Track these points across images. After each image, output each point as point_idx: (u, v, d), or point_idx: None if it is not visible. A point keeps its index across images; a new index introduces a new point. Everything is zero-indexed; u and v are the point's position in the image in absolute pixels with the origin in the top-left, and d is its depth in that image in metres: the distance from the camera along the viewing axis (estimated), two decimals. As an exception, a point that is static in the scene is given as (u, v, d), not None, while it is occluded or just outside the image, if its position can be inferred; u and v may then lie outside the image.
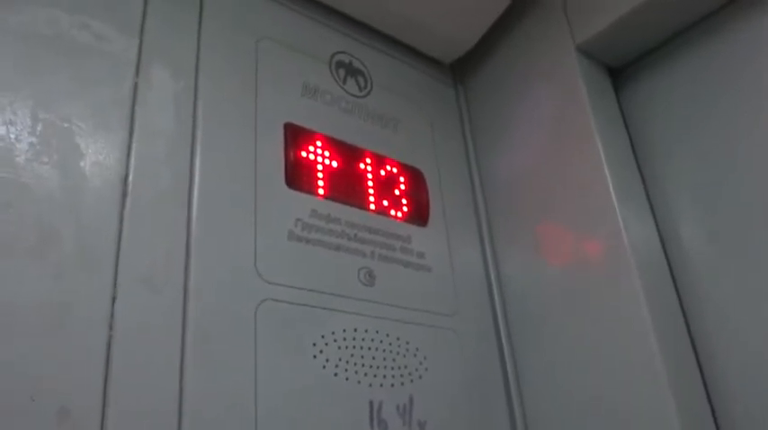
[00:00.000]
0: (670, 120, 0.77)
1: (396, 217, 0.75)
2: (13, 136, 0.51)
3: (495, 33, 0.88)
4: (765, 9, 0.70)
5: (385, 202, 0.74)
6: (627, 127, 0.80)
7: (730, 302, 0.67)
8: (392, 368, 0.66)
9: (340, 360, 0.62)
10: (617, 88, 0.83)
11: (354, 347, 0.64)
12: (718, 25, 0.74)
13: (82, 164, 0.54)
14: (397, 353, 0.67)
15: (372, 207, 0.73)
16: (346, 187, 0.72)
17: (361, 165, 0.75)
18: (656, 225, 0.74)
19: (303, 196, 0.68)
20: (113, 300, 0.51)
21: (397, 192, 0.76)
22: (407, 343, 0.68)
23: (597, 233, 0.71)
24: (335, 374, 0.61)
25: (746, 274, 0.66)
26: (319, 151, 0.71)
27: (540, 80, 0.82)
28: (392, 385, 0.65)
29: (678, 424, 0.60)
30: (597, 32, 0.77)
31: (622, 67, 0.83)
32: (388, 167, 0.77)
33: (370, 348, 0.65)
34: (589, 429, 0.68)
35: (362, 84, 0.81)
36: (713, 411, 0.64)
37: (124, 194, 0.55)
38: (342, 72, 0.79)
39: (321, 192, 0.69)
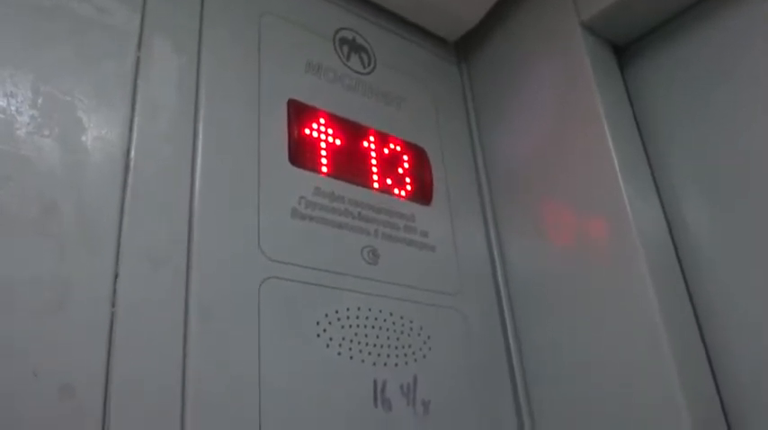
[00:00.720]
0: (676, 99, 0.76)
1: (399, 195, 0.74)
2: (13, 108, 0.50)
3: (500, 10, 0.87)
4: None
5: (388, 181, 0.74)
6: (632, 106, 0.79)
7: (736, 283, 0.66)
8: (396, 347, 0.65)
9: (344, 339, 0.62)
10: (622, 66, 0.82)
11: (358, 326, 0.63)
12: (726, 2, 0.73)
13: (83, 138, 0.53)
14: (401, 333, 0.66)
15: (376, 185, 0.72)
16: (350, 165, 0.71)
17: (365, 143, 0.74)
18: (662, 205, 0.73)
19: (307, 174, 0.67)
20: (116, 276, 0.51)
21: (400, 171, 0.76)
22: (411, 322, 0.68)
23: (602, 213, 0.71)
24: (339, 353, 0.61)
25: (752, 255, 0.66)
26: (323, 128, 0.70)
27: (545, 57, 0.81)
28: (396, 364, 0.64)
29: (684, 402, 0.60)
30: (603, 9, 0.76)
31: (627, 45, 0.82)
32: (392, 145, 0.76)
33: (374, 327, 0.64)
34: (593, 410, 0.68)
35: (366, 61, 0.80)
36: (719, 392, 0.64)
37: (126, 169, 0.54)
38: (345, 49, 0.78)
39: (324, 169, 0.68)
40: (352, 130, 0.73)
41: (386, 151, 0.75)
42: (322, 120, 0.70)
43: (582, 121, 0.75)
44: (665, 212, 0.73)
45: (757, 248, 0.65)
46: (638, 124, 0.78)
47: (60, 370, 0.46)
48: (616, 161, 0.70)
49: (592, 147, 0.73)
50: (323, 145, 0.69)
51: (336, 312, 0.62)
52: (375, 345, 0.64)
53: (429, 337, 0.68)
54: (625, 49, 0.83)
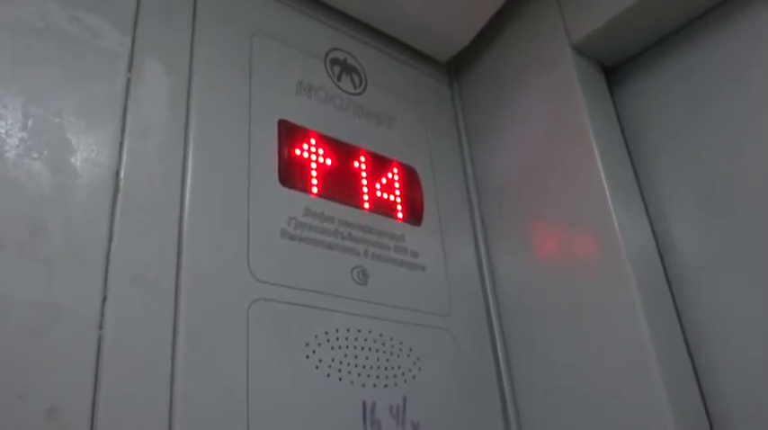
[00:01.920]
0: (664, 120, 0.77)
1: (390, 216, 0.74)
2: (2, 131, 0.50)
3: (491, 31, 0.88)
4: (759, 9, 0.70)
5: (379, 201, 0.74)
6: (621, 125, 0.80)
7: (724, 302, 0.67)
8: (386, 368, 0.65)
9: (333, 360, 0.62)
10: (611, 86, 0.82)
11: (348, 347, 0.63)
12: (713, 24, 0.74)
13: (73, 160, 0.53)
14: (391, 354, 0.66)
15: (366, 205, 0.72)
16: (340, 185, 0.71)
17: (356, 164, 0.74)
18: (650, 222, 0.74)
19: (297, 194, 0.67)
20: (104, 298, 0.50)
21: (391, 191, 0.76)
22: (401, 343, 0.68)
23: (592, 233, 0.71)
24: (328, 375, 0.61)
25: (740, 274, 0.66)
26: (313, 149, 0.70)
27: (536, 78, 0.82)
28: (385, 385, 0.64)
29: (671, 416, 0.60)
30: (592, 31, 0.77)
31: (617, 66, 0.83)
32: (383, 165, 0.76)
33: (363, 348, 0.64)
34: (583, 427, 0.68)
35: (357, 81, 0.80)
36: (706, 406, 0.65)
37: (115, 191, 0.54)
38: (337, 69, 0.78)
39: (315, 190, 0.69)
40: (342, 151, 0.73)
41: (376, 171, 0.75)
42: (312, 141, 0.71)
43: (571, 141, 0.75)
44: (653, 229, 0.74)
45: (744, 265, 0.66)
46: (626, 143, 0.79)
47: (46, 392, 0.46)
48: (605, 179, 0.71)
49: (581, 166, 0.73)
50: (313, 165, 0.70)
51: (326, 333, 0.62)
52: (364, 367, 0.64)
53: (419, 358, 0.68)
54: (614, 69, 0.83)
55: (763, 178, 0.66)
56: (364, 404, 0.62)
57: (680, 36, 0.77)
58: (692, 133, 0.73)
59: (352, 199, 0.71)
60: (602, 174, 0.71)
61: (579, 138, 0.74)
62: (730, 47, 0.72)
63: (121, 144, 0.57)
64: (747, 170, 0.67)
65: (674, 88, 0.77)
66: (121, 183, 0.55)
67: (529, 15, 0.85)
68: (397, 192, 0.76)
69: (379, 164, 0.76)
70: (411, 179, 0.79)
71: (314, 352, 0.61)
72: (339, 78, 0.78)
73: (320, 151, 0.71)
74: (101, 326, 0.50)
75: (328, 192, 0.69)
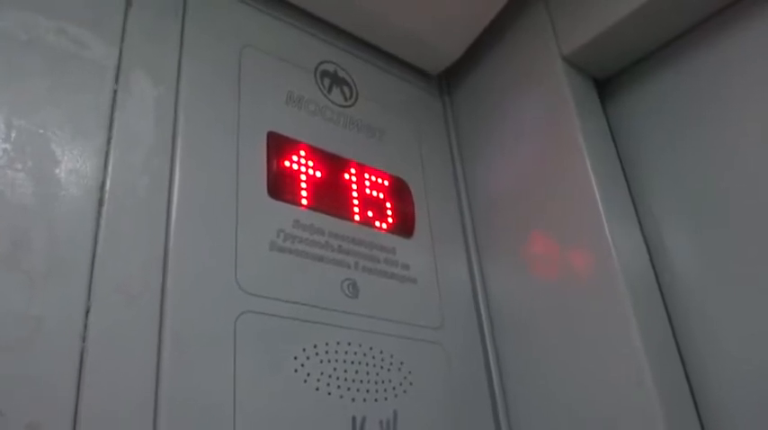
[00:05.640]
0: (657, 132, 0.76)
1: (380, 228, 0.74)
2: (-16, 142, 0.50)
3: (482, 44, 0.88)
4: (750, 22, 0.70)
5: (369, 213, 0.73)
6: (613, 137, 0.80)
7: (718, 314, 0.66)
8: (376, 382, 0.64)
9: (322, 374, 0.61)
10: (603, 99, 0.82)
11: (337, 361, 0.62)
12: (704, 37, 0.74)
13: (57, 171, 0.53)
14: (381, 367, 0.65)
15: (357, 218, 0.72)
16: (330, 197, 0.71)
17: (346, 176, 0.73)
18: (643, 236, 0.73)
19: (286, 206, 0.66)
20: (87, 309, 0.50)
21: (381, 203, 0.75)
22: (391, 356, 0.67)
23: (585, 246, 0.71)
24: (317, 389, 0.60)
25: (734, 286, 0.65)
26: (303, 161, 0.70)
27: (527, 91, 0.82)
28: (375, 400, 0.63)
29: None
30: (583, 43, 0.77)
31: (609, 79, 0.83)
32: (373, 178, 0.76)
33: (353, 362, 0.63)
34: (577, 443, 0.67)
35: (348, 93, 0.80)
36: (701, 420, 0.64)
37: (100, 203, 0.54)
38: (327, 81, 0.78)
39: (304, 202, 0.68)
40: (332, 163, 0.73)
41: (367, 183, 0.75)
42: (302, 153, 0.70)
43: (563, 153, 0.75)
44: (646, 243, 0.73)
45: (737, 276, 0.65)
46: (619, 155, 0.78)
47: (27, 406, 0.45)
48: (597, 192, 0.71)
49: (573, 179, 0.73)
50: (303, 177, 0.69)
51: (315, 347, 0.62)
52: (354, 381, 0.63)
53: (410, 372, 0.67)
54: (606, 82, 0.83)
55: (756, 189, 0.66)
56: (354, 419, 0.61)
57: (671, 48, 0.78)
58: (685, 145, 0.73)
59: (343, 211, 0.71)
60: (595, 187, 0.71)
61: (571, 151, 0.74)
62: (721, 60, 0.72)
63: (107, 155, 0.56)
64: (741, 181, 0.67)
65: (667, 100, 0.77)
66: (107, 195, 0.54)
67: (520, 28, 0.85)
68: (388, 205, 0.76)
69: (369, 176, 0.76)
70: (402, 191, 0.78)
71: (302, 365, 0.60)
72: (329, 90, 0.78)
73: (310, 163, 0.70)
74: (84, 339, 0.49)
75: (318, 204, 0.69)
